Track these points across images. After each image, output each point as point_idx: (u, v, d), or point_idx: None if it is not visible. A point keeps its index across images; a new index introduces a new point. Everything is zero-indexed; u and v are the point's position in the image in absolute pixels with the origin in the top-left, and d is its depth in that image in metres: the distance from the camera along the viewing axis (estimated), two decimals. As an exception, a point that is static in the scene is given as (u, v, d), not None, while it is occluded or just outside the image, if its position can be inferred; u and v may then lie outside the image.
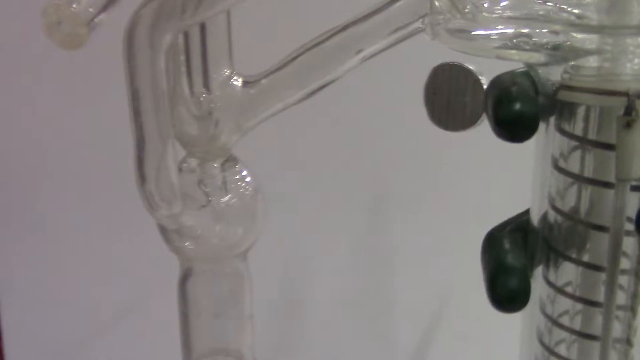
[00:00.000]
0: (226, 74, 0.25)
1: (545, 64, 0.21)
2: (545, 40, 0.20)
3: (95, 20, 0.16)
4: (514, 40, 0.20)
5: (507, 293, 0.21)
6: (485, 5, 0.21)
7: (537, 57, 0.20)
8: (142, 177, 0.22)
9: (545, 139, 0.22)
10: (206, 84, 0.25)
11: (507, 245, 0.22)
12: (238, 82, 0.25)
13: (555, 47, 0.20)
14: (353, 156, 0.56)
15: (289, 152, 0.56)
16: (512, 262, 0.21)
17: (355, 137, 0.55)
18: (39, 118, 0.57)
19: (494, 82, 0.22)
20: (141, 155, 0.21)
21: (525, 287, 0.21)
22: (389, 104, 0.53)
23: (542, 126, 0.21)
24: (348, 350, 0.54)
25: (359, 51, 0.24)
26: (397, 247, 0.56)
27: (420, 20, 0.23)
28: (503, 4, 0.21)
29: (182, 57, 0.24)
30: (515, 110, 0.20)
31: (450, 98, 0.22)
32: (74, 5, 0.16)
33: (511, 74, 0.22)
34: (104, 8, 0.17)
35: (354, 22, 0.24)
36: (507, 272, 0.21)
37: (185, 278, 0.26)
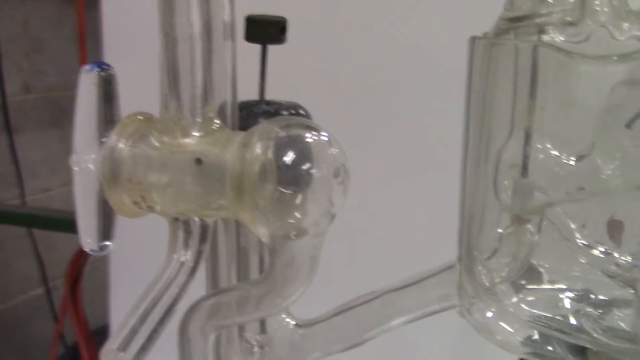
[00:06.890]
0: (281, 318, 0.28)
1: None
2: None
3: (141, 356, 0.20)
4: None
5: None
6: (513, 300, 0.22)
7: None
8: None
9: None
10: (263, 329, 0.28)
11: None
12: (290, 325, 0.28)
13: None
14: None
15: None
16: None
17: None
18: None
19: None
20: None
21: None
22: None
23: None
24: None
25: (394, 318, 0.26)
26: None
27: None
28: (529, 298, 0.22)
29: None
30: None
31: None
32: (123, 353, 0.20)
33: None
34: (145, 349, 0.21)
35: (389, 291, 0.26)
36: None
37: None
